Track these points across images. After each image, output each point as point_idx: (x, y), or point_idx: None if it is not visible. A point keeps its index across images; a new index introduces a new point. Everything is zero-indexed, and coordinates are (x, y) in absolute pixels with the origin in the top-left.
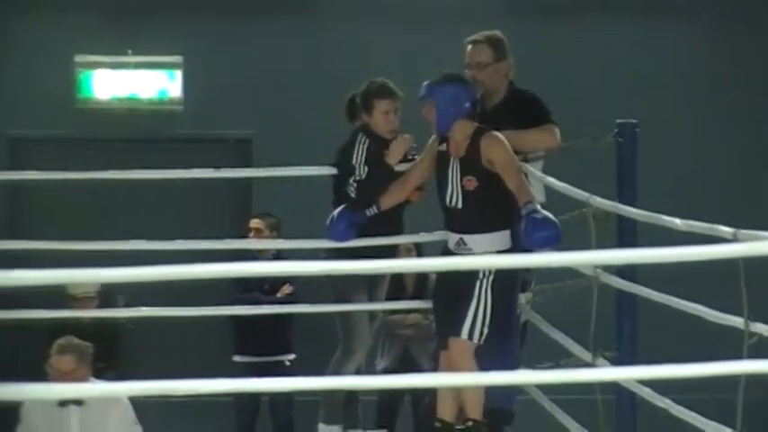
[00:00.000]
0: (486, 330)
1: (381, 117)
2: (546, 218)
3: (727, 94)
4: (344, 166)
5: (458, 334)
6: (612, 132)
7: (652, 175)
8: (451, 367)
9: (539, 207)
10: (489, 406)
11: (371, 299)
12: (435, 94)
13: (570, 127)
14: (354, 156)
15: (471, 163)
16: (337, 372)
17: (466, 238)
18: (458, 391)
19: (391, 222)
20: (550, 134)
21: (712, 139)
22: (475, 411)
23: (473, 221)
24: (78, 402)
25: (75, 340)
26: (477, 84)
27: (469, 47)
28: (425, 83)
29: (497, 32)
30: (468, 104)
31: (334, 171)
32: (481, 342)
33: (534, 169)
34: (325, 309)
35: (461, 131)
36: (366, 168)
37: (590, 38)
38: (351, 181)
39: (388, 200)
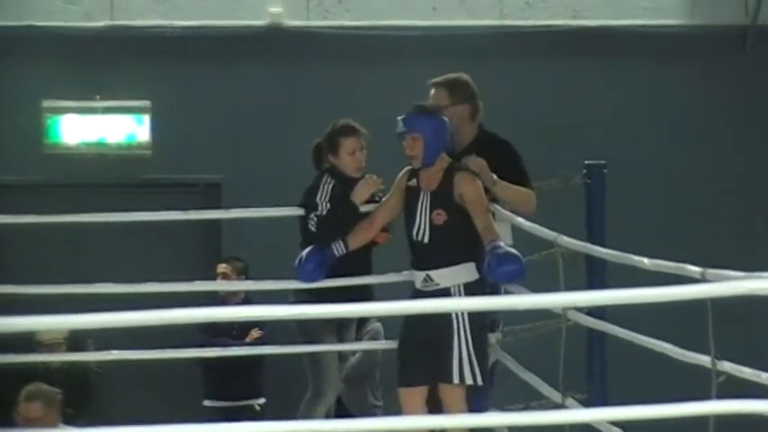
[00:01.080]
0: (476, 369)
1: (348, 157)
2: (508, 252)
3: (694, 135)
4: (309, 206)
5: (449, 380)
6: (581, 173)
7: (621, 215)
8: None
9: (502, 243)
10: None
11: (340, 340)
12: (421, 127)
13: (540, 167)
14: (318, 194)
15: (443, 196)
16: (308, 414)
17: (432, 273)
18: None
19: (359, 263)
20: (532, 202)
21: (680, 179)
22: None
23: (438, 256)
24: None
25: (44, 387)
26: None
27: (431, 89)
28: (403, 117)
29: (461, 75)
30: (447, 137)
31: (300, 211)
32: (477, 382)
33: (501, 209)
34: (294, 350)
35: (439, 164)
36: (328, 205)
37: (559, 79)
38: (311, 216)
39: (355, 239)
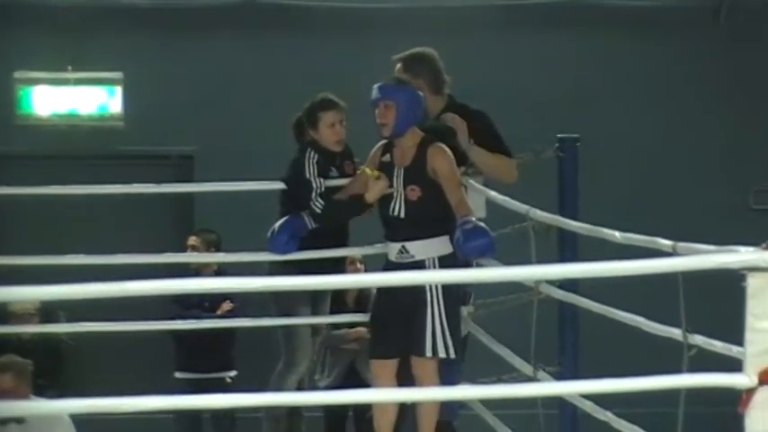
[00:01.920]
0: (449, 342)
1: (327, 130)
2: (477, 227)
3: (667, 109)
4: (298, 182)
5: (421, 353)
6: (554, 147)
7: (594, 189)
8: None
9: (472, 219)
10: None
11: (314, 313)
12: (396, 95)
13: (513, 141)
14: (307, 171)
15: (416, 172)
16: (280, 384)
17: (407, 245)
18: (396, 406)
19: (336, 235)
20: (513, 170)
21: (653, 152)
22: (429, 427)
23: (414, 229)
24: (19, 420)
25: (15, 358)
26: None
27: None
28: (379, 84)
29: (423, 50)
30: (420, 112)
31: (281, 186)
32: (450, 355)
33: (475, 182)
34: (267, 323)
35: (412, 138)
36: (322, 181)
37: (534, 53)
38: (313, 197)
39: None
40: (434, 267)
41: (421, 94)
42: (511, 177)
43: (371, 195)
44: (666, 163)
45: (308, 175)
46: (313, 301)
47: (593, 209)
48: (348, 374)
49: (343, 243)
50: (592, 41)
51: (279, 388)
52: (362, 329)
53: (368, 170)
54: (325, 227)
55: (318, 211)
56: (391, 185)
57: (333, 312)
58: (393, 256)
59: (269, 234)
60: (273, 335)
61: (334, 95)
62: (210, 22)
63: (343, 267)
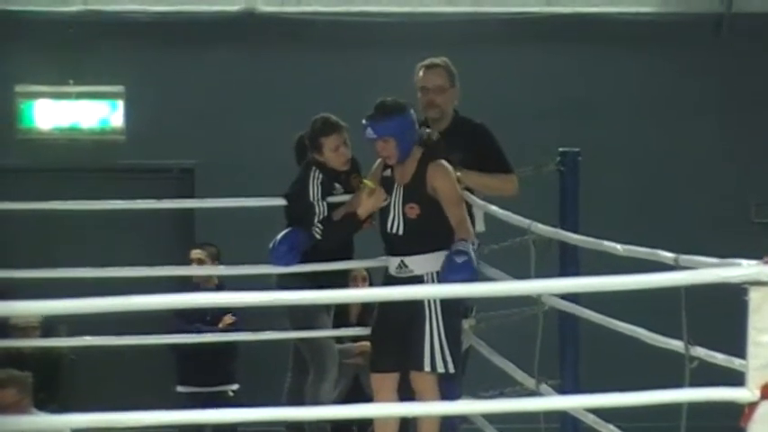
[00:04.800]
0: (447, 357)
1: (332, 154)
2: (464, 263)
3: (668, 122)
4: (300, 203)
5: (420, 368)
6: (555, 161)
7: (594, 202)
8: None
9: (467, 248)
10: None
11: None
12: (390, 131)
13: (513, 154)
14: (311, 193)
15: (415, 189)
16: (316, 395)
17: (406, 260)
18: (397, 420)
19: (342, 247)
20: (512, 185)
21: (653, 165)
22: None
23: (413, 245)
24: None
25: (16, 372)
26: (432, 107)
27: (424, 70)
28: (370, 122)
29: (447, 59)
30: (416, 128)
31: (278, 202)
32: (449, 370)
33: (475, 197)
34: (270, 336)
35: (412, 156)
36: (325, 205)
37: (533, 67)
38: (315, 222)
39: None
40: (433, 282)
41: (412, 112)
42: (508, 192)
43: (363, 210)
44: (667, 176)
45: (311, 198)
46: (327, 308)
47: (594, 222)
48: (352, 389)
49: (348, 255)
50: (593, 54)
51: (316, 399)
52: (366, 344)
53: (368, 182)
54: (324, 247)
55: (318, 237)
56: (387, 200)
57: (336, 326)
58: (392, 271)
59: (270, 245)
60: (278, 348)
61: (333, 116)
62: (211, 35)
63: (347, 280)
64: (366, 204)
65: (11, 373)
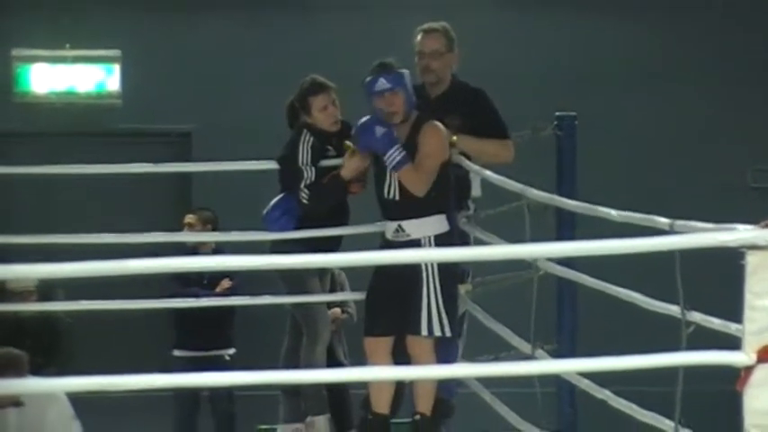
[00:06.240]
0: (444, 321)
1: (320, 113)
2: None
3: (664, 88)
4: (290, 168)
5: (417, 332)
6: (552, 125)
7: (591, 167)
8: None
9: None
10: None
11: (322, 286)
12: (401, 82)
13: (510, 119)
14: (300, 157)
15: (410, 152)
16: (310, 359)
17: (404, 224)
18: (393, 384)
19: (337, 213)
20: (508, 151)
21: (650, 131)
22: (426, 405)
23: (410, 209)
24: (18, 404)
25: (12, 353)
26: (428, 72)
27: (422, 35)
28: (382, 75)
29: (447, 24)
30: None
31: (274, 165)
32: (446, 334)
33: (471, 163)
34: (266, 301)
35: (407, 120)
36: (313, 170)
37: (530, 32)
38: (301, 186)
39: None
40: (430, 246)
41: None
42: (504, 159)
43: (346, 172)
44: (664, 143)
45: (300, 163)
46: (320, 274)
47: (591, 188)
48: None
49: (343, 220)
50: (589, 22)
51: (310, 363)
52: (337, 310)
53: (348, 144)
54: (313, 213)
55: (305, 201)
56: (383, 167)
57: None
58: (389, 235)
59: (264, 211)
60: (275, 312)
61: (322, 76)
62: None
63: (340, 245)
64: (348, 165)
65: (8, 356)
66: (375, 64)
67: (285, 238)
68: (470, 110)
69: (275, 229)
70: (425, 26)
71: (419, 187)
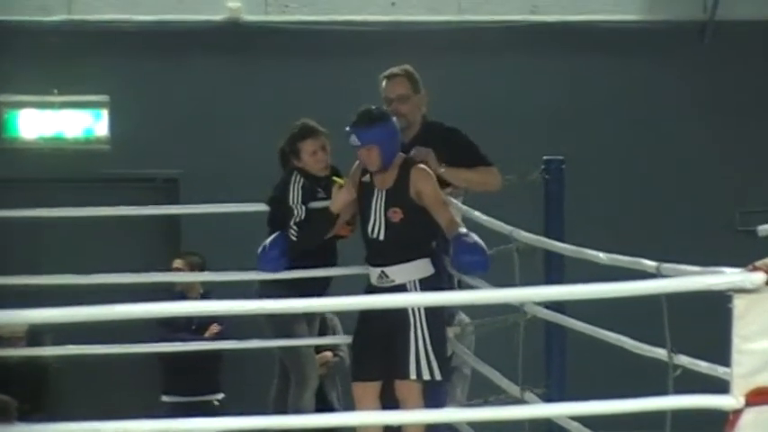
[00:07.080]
0: (434, 364)
1: (310, 158)
2: (476, 243)
3: (652, 130)
4: (281, 207)
5: (405, 375)
6: (539, 169)
7: (579, 210)
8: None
9: (470, 234)
10: None
11: (310, 328)
12: (376, 137)
13: (497, 161)
14: (291, 196)
15: (398, 194)
16: (298, 403)
17: (387, 270)
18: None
19: (325, 254)
20: (495, 178)
21: (638, 172)
22: None
23: (393, 252)
24: None
25: (1, 398)
26: (399, 117)
27: (386, 81)
28: (354, 129)
29: (409, 67)
30: (399, 137)
31: (263, 207)
32: (435, 377)
33: (455, 201)
34: (255, 345)
35: (394, 162)
36: (304, 208)
37: (518, 75)
38: (291, 224)
39: None
40: (416, 290)
41: (395, 119)
42: (493, 185)
43: (335, 205)
44: (652, 183)
45: (290, 202)
46: (308, 319)
47: (579, 230)
48: (317, 399)
49: (331, 262)
50: (578, 62)
51: (298, 407)
52: (328, 354)
53: (337, 180)
54: (303, 250)
55: (294, 238)
56: (369, 206)
57: None
58: (374, 280)
59: (259, 250)
60: (264, 356)
61: (313, 121)
62: (196, 44)
63: (327, 289)
64: (337, 198)
65: None
66: (357, 112)
67: (273, 279)
68: (447, 148)
69: (269, 270)
70: (387, 72)
71: (451, 221)
